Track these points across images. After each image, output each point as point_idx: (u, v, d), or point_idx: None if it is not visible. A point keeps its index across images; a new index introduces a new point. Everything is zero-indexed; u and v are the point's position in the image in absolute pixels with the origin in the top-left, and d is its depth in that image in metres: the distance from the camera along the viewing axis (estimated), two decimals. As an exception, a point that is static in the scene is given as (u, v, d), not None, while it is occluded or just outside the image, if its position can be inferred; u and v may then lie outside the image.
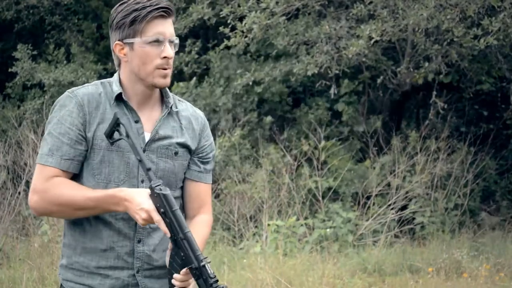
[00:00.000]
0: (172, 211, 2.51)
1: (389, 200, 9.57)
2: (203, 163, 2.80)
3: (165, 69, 2.65)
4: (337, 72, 10.09)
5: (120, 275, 2.67)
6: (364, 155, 11.17)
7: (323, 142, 10.19)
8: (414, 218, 9.89)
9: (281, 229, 8.65)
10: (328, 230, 8.98)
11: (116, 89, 2.68)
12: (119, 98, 2.68)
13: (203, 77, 11.75)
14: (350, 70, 10.86)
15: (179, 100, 2.81)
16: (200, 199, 2.79)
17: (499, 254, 8.57)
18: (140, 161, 2.58)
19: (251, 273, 7.27)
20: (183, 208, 2.80)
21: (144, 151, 2.66)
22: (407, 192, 9.77)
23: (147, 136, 2.68)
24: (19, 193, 8.54)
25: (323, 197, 9.56)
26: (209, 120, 10.24)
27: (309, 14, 10.64)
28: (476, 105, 12.73)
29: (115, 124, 2.60)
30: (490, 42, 9.16)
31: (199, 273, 2.49)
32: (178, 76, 12.00)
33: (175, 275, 2.55)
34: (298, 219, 9.09)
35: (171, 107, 2.73)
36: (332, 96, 11.00)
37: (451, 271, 7.97)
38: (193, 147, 2.76)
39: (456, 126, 12.14)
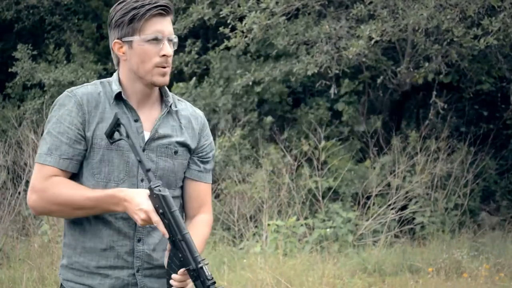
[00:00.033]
0: (171, 212, 2.51)
1: (389, 200, 9.57)
2: (203, 162, 2.80)
3: (164, 67, 2.65)
4: (337, 72, 10.09)
5: (120, 275, 2.67)
6: (364, 155, 11.17)
7: (323, 142, 10.19)
8: (414, 218, 9.89)
9: (281, 229, 8.65)
10: (328, 230, 8.97)
11: (116, 88, 2.68)
12: (118, 97, 2.68)
13: (203, 77, 11.75)
14: (350, 70, 10.87)
15: (178, 99, 2.81)
16: (200, 199, 2.79)
17: (499, 254, 8.57)
18: (140, 162, 2.58)
19: (251, 273, 7.26)
20: (183, 207, 2.80)
21: (143, 150, 2.67)
22: (407, 192, 9.77)
23: (147, 135, 2.68)
24: (19, 193, 8.54)
25: (323, 197, 9.56)
26: (209, 120, 10.27)
27: (309, 14, 10.64)
28: (476, 105, 12.74)
29: (116, 124, 2.60)
30: (490, 42, 9.16)
31: (197, 275, 2.50)
32: (178, 76, 12.00)
33: (173, 275, 2.55)
34: (298, 219, 9.08)
35: (170, 106, 2.73)
36: (332, 96, 11.00)
37: (451, 271, 7.97)
38: (192, 146, 2.76)
39: (456, 126, 12.14)
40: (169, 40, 2.65)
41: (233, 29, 10.15)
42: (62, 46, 13.07)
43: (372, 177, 9.91)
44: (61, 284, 2.75)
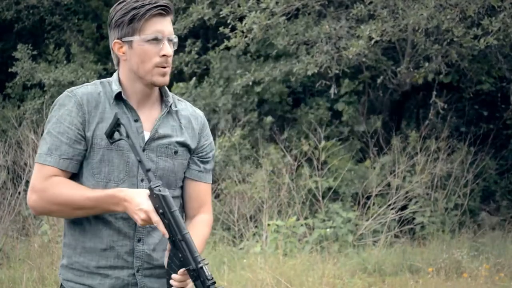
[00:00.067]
0: (171, 212, 2.51)
1: (389, 200, 9.57)
2: (203, 162, 2.80)
3: (164, 67, 2.65)
4: (337, 72, 10.09)
5: (120, 275, 2.67)
6: (364, 155, 11.17)
7: (323, 142, 10.18)
8: (414, 218, 9.89)
9: (281, 229, 8.65)
10: (328, 230, 8.97)
11: (116, 88, 2.68)
12: (118, 97, 2.68)
13: (203, 77, 11.75)
14: (350, 70, 10.86)
15: (178, 99, 2.81)
16: (200, 199, 2.80)
17: (499, 254, 8.57)
18: (140, 162, 2.58)
19: (251, 273, 7.26)
20: (183, 207, 2.80)
21: (143, 150, 2.67)
22: (407, 192, 9.77)
23: (147, 135, 2.68)
24: (19, 193, 8.54)
25: (323, 197, 9.55)
26: (209, 120, 10.27)
27: (309, 14, 10.64)
28: (476, 105, 12.73)
29: (116, 124, 2.61)
30: (490, 42, 9.16)
31: (197, 275, 2.50)
32: (178, 76, 12.00)
33: (173, 275, 2.55)
34: (298, 219, 9.08)
35: (170, 106, 2.73)
36: (332, 96, 11.00)
37: (451, 271, 7.97)
38: (192, 146, 2.76)
39: (456, 126, 12.14)
40: (169, 40, 2.65)
41: (233, 29, 10.15)
42: (62, 46, 13.07)
43: (372, 177, 9.90)
44: (61, 284, 2.75)
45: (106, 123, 2.64)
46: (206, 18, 10.66)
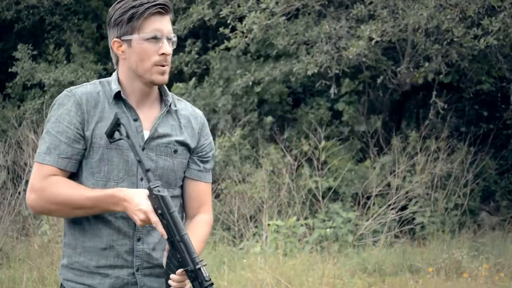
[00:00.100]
0: (170, 213, 2.51)
1: (389, 200, 9.56)
2: (202, 162, 2.80)
3: (163, 65, 2.66)
4: (337, 71, 10.09)
5: (120, 274, 2.67)
6: (364, 155, 11.16)
7: (323, 142, 10.18)
8: (414, 218, 9.89)
9: (281, 229, 8.65)
10: (328, 230, 8.97)
11: (115, 87, 2.69)
12: (118, 97, 2.69)
13: (203, 77, 11.75)
14: (350, 70, 10.86)
15: (178, 99, 2.82)
16: (200, 198, 2.80)
17: (499, 254, 8.57)
18: (140, 162, 2.58)
19: (251, 273, 7.26)
20: (183, 207, 2.80)
21: (143, 149, 2.67)
22: (407, 192, 9.77)
23: (146, 134, 2.69)
24: (19, 193, 8.54)
25: (323, 197, 9.55)
26: (208, 120, 10.27)
27: (309, 14, 10.64)
28: (476, 105, 12.73)
29: (116, 124, 2.61)
30: (490, 42, 9.16)
31: (195, 276, 2.50)
32: (178, 76, 12.00)
33: (172, 276, 2.56)
34: (298, 219, 9.08)
35: (170, 105, 2.74)
36: (332, 96, 10.99)
37: (451, 271, 7.97)
38: (192, 145, 2.76)
39: (456, 126, 12.14)
40: (168, 39, 2.66)
41: (233, 29, 10.15)
42: (62, 46, 13.07)
43: (372, 177, 9.90)
44: (61, 284, 2.75)
45: (105, 122, 2.65)
46: (206, 19, 10.67)
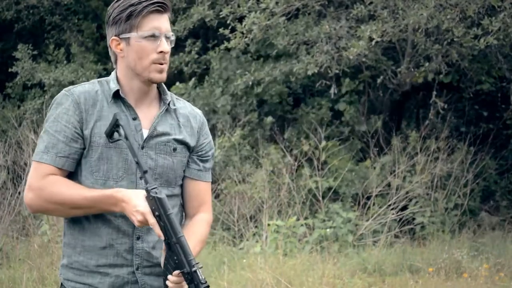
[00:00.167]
0: (167, 215, 2.52)
1: (389, 200, 9.56)
2: (202, 161, 2.80)
3: (161, 64, 2.66)
4: (337, 71, 10.09)
5: (120, 273, 2.67)
6: (364, 155, 11.17)
7: (323, 142, 10.18)
8: (414, 218, 9.89)
9: (281, 229, 8.65)
10: (328, 230, 8.97)
11: (114, 86, 2.69)
12: (116, 95, 2.69)
13: (203, 77, 11.75)
14: (350, 70, 10.86)
15: (177, 98, 2.82)
16: (200, 198, 2.80)
17: (499, 254, 8.57)
18: (138, 163, 2.58)
19: (251, 273, 7.26)
20: (183, 206, 2.80)
21: (142, 147, 2.67)
22: (407, 192, 9.77)
23: (145, 133, 2.69)
24: (19, 193, 8.53)
25: (323, 197, 9.55)
26: (208, 120, 10.26)
27: (309, 14, 10.63)
28: (476, 105, 12.73)
29: (115, 125, 2.61)
30: (490, 42, 9.16)
31: (191, 278, 2.51)
32: (178, 76, 12.00)
33: (169, 277, 2.56)
34: (298, 219, 9.08)
35: (169, 104, 2.74)
36: (332, 96, 10.99)
37: (451, 271, 7.97)
38: (191, 144, 2.77)
39: (456, 126, 12.14)
40: (166, 37, 2.67)
41: (233, 30, 10.15)
42: (62, 46, 13.07)
43: (372, 177, 9.90)
44: (62, 284, 2.75)
45: (104, 121, 2.65)
46: (207, 19, 10.67)
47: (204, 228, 2.78)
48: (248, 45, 10.56)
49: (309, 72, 10.02)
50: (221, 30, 10.23)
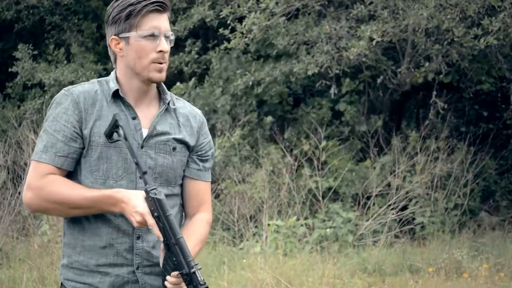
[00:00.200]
0: (165, 216, 2.52)
1: (389, 200, 9.56)
2: (202, 161, 2.80)
3: (160, 63, 2.67)
4: (337, 72, 10.09)
5: (120, 272, 2.67)
6: (364, 155, 11.16)
7: (323, 142, 10.18)
8: (414, 218, 9.89)
9: (281, 229, 8.65)
10: (328, 230, 8.97)
11: (113, 86, 2.69)
12: (116, 95, 2.69)
13: (203, 77, 11.75)
14: (350, 70, 10.86)
15: (176, 98, 2.83)
16: (199, 197, 2.80)
17: (499, 254, 8.57)
18: (137, 164, 2.58)
19: (251, 273, 7.26)
20: (182, 206, 2.80)
21: (142, 147, 2.67)
22: (407, 192, 9.77)
23: (145, 132, 2.69)
24: (19, 193, 8.53)
25: (323, 197, 9.55)
26: (208, 120, 10.26)
27: (309, 14, 10.63)
28: (476, 105, 12.73)
29: (114, 126, 2.61)
30: (490, 42, 9.16)
31: (190, 279, 2.51)
32: (178, 76, 12.00)
33: (168, 278, 2.57)
34: (298, 219, 9.08)
35: (168, 104, 2.74)
36: (332, 96, 10.99)
37: (451, 271, 7.97)
38: (191, 143, 2.77)
39: (456, 126, 12.14)
40: (166, 37, 2.67)
41: (233, 30, 10.15)
42: (62, 46, 13.07)
43: (372, 177, 9.90)
44: (62, 284, 2.75)
45: (103, 121, 2.65)
46: (207, 20, 10.67)
47: (203, 228, 2.78)
48: (248, 45, 10.56)
49: (309, 72, 10.02)
50: (221, 30, 10.23)
